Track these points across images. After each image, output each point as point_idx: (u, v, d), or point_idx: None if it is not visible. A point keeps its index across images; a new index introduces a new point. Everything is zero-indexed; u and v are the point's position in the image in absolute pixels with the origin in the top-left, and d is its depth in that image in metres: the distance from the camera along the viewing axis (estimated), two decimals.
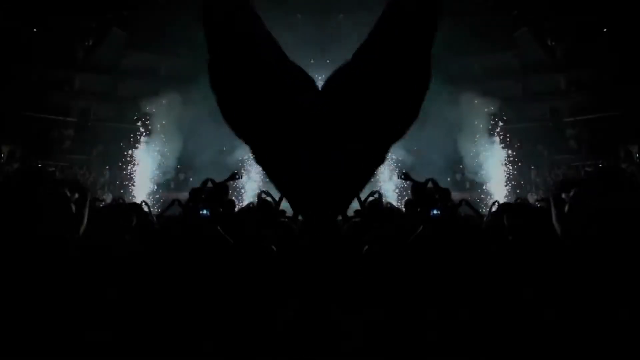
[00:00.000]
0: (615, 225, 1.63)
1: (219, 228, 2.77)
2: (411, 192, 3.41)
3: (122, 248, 2.62)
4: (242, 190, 15.69)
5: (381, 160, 1.94)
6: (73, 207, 2.18)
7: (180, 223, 3.44)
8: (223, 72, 1.79)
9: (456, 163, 16.77)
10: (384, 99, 1.75)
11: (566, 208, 2.10)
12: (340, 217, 6.01)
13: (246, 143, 1.98)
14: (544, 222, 2.53)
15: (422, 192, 3.15)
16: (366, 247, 3.12)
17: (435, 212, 2.72)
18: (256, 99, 1.78)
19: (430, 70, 1.77)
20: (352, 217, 5.03)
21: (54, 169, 15.01)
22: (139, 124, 16.51)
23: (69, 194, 2.21)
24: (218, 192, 3.75)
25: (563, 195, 2.22)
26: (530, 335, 1.66)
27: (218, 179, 4.61)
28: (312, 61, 13.33)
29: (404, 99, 1.79)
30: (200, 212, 2.85)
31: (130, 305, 1.91)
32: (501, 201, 13.69)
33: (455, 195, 13.72)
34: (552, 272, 1.87)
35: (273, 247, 3.10)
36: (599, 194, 1.75)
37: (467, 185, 16.39)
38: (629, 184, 1.72)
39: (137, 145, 15.86)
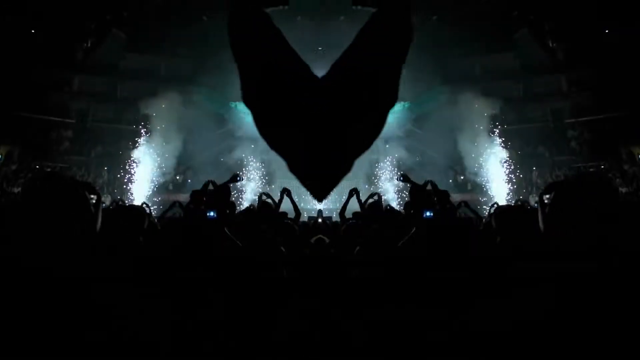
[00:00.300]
0: (589, 225, 1.69)
1: (226, 229, 2.77)
2: (409, 194, 3.38)
3: (135, 248, 2.69)
4: (239, 194, 15.66)
5: (349, 168, 1.96)
6: (92, 208, 2.29)
7: (181, 225, 3.40)
8: (246, 85, 1.84)
9: (458, 164, 16.78)
10: (356, 108, 1.78)
11: (547, 209, 2.15)
12: (339, 219, 6.03)
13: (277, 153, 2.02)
14: (531, 223, 2.59)
15: (420, 194, 3.12)
16: (358, 247, 3.15)
17: (428, 213, 2.72)
18: (266, 104, 1.84)
19: (397, 91, 1.81)
20: (349, 219, 5.01)
21: (50, 169, 14.98)
22: (138, 126, 16.53)
23: (88, 195, 2.32)
24: (221, 194, 3.73)
25: (546, 198, 2.28)
26: (522, 335, 1.66)
27: (216, 181, 4.57)
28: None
29: (371, 114, 1.83)
30: (207, 213, 2.83)
31: (138, 305, 1.92)
32: (502, 203, 13.77)
33: (458, 197, 13.79)
34: (538, 270, 1.88)
35: (282, 248, 3.14)
36: (574, 197, 1.79)
37: (469, 187, 16.39)
38: (604, 188, 1.73)
39: (135, 146, 15.83)
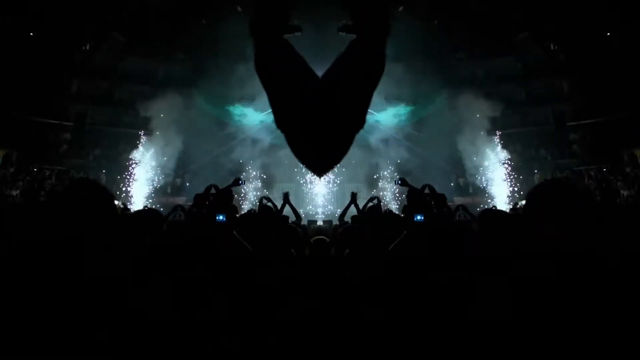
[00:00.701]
0: (557, 229, 1.74)
1: (235, 233, 2.78)
2: (407, 197, 3.38)
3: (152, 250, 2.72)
4: (240, 198, 15.64)
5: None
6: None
7: (187, 228, 3.44)
8: (276, 109, 2.02)
9: (459, 167, 16.74)
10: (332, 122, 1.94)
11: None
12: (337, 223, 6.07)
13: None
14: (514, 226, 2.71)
15: (417, 198, 3.09)
16: (347, 250, 3.18)
17: (418, 217, 2.72)
18: (288, 120, 2.02)
19: (365, 116, 1.99)
20: (346, 222, 5.02)
21: (48, 172, 14.96)
22: (136, 129, 16.53)
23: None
24: (225, 198, 3.75)
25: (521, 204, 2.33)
26: (522, 335, 1.64)
27: (216, 184, 4.59)
28: None
29: (340, 133, 2.02)
30: (217, 217, 2.81)
31: (138, 304, 1.91)
32: (503, 205, 13.71)
33: (460, 200, 13.74)
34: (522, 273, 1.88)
35: (293, 250, 3.21)
36: (541, 203, 1.84)
37: (471, 190, 16.36)
38: (569, 194, 1.79)
39: (133, 149, 15.82)
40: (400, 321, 2.17)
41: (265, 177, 16.84)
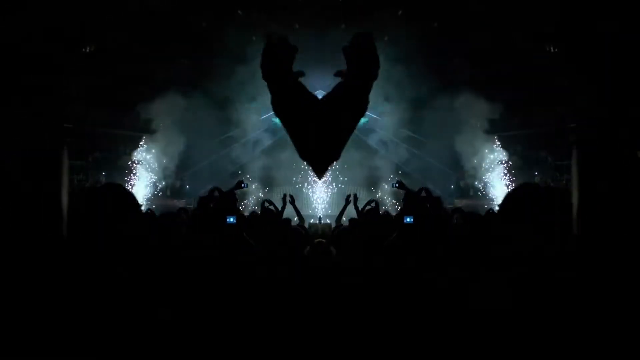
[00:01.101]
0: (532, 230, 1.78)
1: (244, 234, 2.87)
2: (403, 200, 3.41)
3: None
4: (241, 200, 15.65)
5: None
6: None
7: (191, 231, 3.53)
8: (298, 145, 2.27)
9: (459, 170, 16.73)
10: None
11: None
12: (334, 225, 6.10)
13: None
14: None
15: (413, 201, 3.12)
16: (334, 251, 3.24)
17: (407, 219, 2.76)
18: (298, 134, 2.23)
19: (341, 150, 2.22)
20: (341, 225, 5.06)
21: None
22: (136, 131, 16.55)
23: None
24: (229, 201, 3.82)
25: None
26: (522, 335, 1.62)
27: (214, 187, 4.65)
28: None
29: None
30: (227, 219, 2.91)
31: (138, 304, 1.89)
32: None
33: (460, 203, 13.69)
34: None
35: (299, 250, 3.29)
36: (516, 206, 1.90)
37: (471, 192, 16.33)
38: (538, 198, 1.83)
39: (134, 151, 15.82)
40: (379, 320, 2.19)
41: (265, 179, 16.86)
